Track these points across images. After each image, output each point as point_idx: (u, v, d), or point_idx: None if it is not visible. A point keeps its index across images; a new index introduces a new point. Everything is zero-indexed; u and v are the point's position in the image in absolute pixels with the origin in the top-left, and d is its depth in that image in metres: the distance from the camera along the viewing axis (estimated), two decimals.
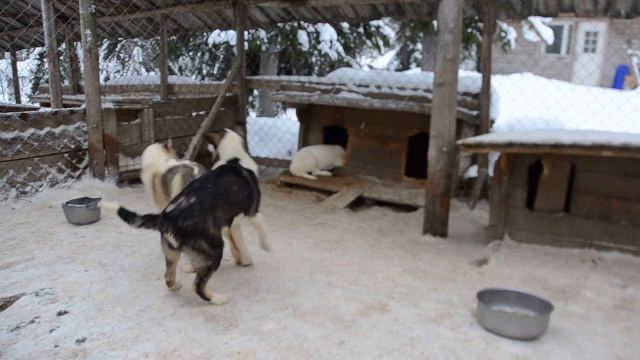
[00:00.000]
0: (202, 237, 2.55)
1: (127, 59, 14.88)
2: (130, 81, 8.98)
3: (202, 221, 2.56)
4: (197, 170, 3.23)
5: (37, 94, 10.40)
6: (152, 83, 8.38)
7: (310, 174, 5.88)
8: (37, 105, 9.07)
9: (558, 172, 3.70)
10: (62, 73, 9.39)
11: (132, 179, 5.43)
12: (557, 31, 16.90)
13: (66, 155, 4.95)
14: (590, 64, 17.09)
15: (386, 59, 19.14)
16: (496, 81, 7.00)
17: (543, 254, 3.64)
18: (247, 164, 3.09)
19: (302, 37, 10.56)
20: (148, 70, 14.77)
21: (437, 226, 4.04)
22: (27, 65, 14.12)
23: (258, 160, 7.10)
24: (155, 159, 3.43)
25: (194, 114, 6.35)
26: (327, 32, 10.97)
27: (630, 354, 2.38)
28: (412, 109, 5.19)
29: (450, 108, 3.90)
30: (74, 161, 5.02)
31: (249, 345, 2.33)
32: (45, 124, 4.77)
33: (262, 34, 10.40)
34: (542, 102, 7.68)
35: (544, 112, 7.25)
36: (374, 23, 11.62)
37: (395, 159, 5.79)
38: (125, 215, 2.48)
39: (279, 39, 10.64)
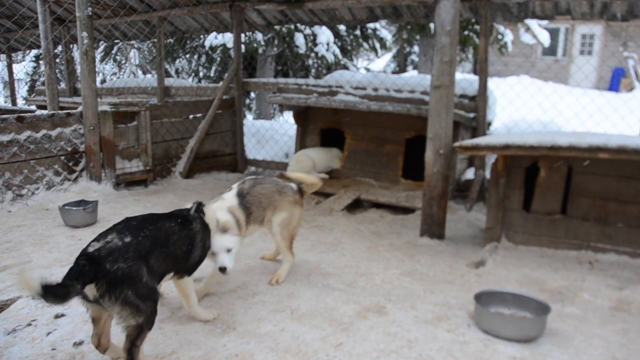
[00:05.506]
0: (132, 286, 1.98)
1: (123, 61, 14.86)
2: (126, 83, 8.97)
3: (137, 266, 2.02)
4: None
5: (33, 96, 10.37)
6: (149, 85, 8.36)
7: None
8: (33, 107, 9.04)
9: (555, 174, 3.71)
10: (58, 75, 9.39)
11: (128, 181, 5.42)
12: (553, 33, 16.98)
13: (62, 157, 4.94)
14: (587, 66, 17.18)
15: (383, 61, 19.15)
16: (493, 83, 7.01)
17: (540, 256, 3.65)
18: (213, 217, 2.58)
19: (299, 39, 10.56)
20: (144, 73, 14.74)
21: (434, 228, 4.04)
22: (22, 68, 14.07)
23: (255, 162, 7.09)
24: None
25: (191, 117, 6.34)
26: (324, 34, 10.97)
27: (626, 355, 2.39)
28: (409, 111, 5.19)
29: (447, 110, 3.90)
30: (71, 163, 5.01)
31: (246, 347, 2.33)
32: (42, 127, 4.76)
33: (259, 36, 10.40)
34: (538, 104, 7.71)
35: (541, 114, 7.28)
36: (371, 25, 11.64)
37: (392, 161, 5.79)
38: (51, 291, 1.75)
39: (276, 41, 10.64)
